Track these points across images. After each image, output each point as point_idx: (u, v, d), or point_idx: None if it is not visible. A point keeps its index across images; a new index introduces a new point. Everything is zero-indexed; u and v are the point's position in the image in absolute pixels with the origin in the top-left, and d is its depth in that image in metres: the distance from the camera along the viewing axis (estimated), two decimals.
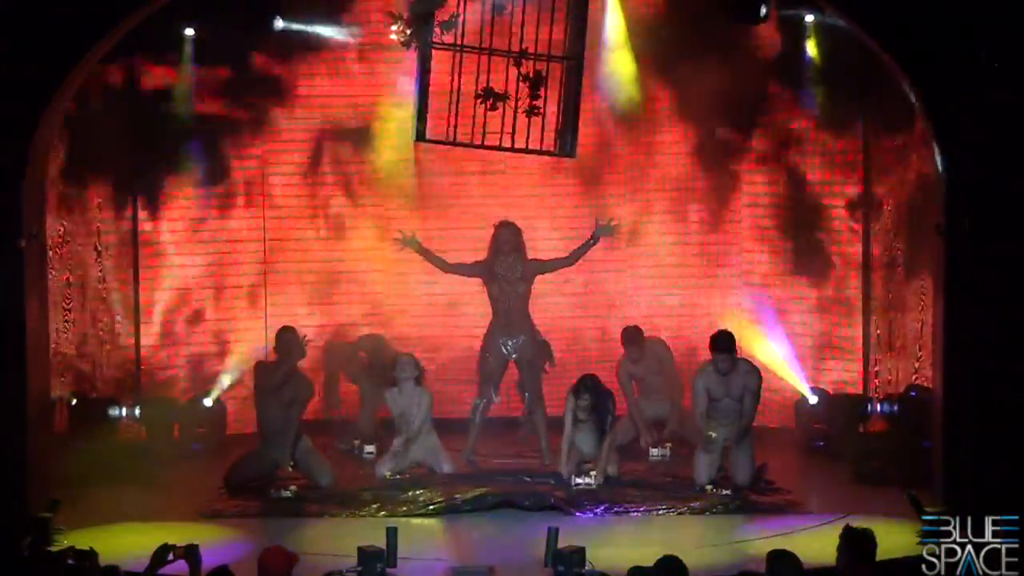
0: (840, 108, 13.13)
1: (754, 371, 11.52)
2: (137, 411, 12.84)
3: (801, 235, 13.58)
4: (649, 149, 13.86)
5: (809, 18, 12.74)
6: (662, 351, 12.87)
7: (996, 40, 10.11)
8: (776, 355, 13.20)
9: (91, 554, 7.51)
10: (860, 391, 13.22)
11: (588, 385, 11.50)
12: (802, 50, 13.03)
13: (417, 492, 11.24)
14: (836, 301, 13.47)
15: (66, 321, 12.70)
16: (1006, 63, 10.12)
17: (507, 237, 12.19)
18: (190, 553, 7.12)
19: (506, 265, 12.20)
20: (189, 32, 12.87)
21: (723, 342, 11.34)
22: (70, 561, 7.52)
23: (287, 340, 11.60)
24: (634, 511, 11.00)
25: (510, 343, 12.25)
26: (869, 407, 12.95)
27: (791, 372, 13.17)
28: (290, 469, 11.56)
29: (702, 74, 12.70)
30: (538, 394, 12.29)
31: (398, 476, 11.66)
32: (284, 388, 11.50)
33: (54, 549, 8.50)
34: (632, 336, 12.72)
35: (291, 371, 11.54)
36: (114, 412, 12.70)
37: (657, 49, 13.21)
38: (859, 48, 11.24)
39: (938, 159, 10.44)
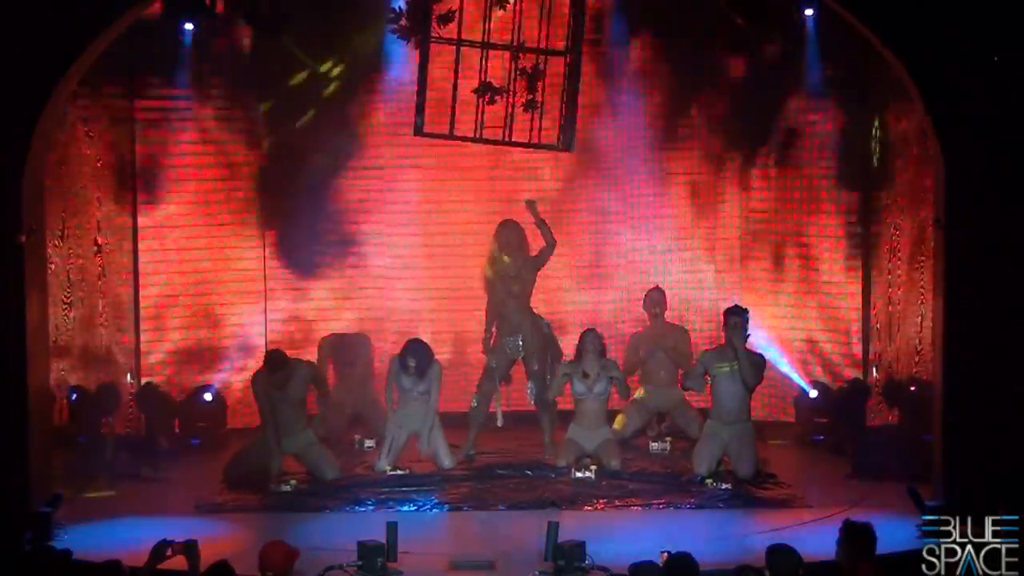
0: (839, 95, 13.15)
1: (756, 353, 11.70)
2: (137, 405, 12.85)
3: (801, 228, 13.59)
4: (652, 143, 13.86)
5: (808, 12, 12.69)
6: (679, 336, 12.83)
7: (995, 34, 10.12)
8: (776, 348, 13.19)
9: (66, 553, 7.53)
10: (860, 385, 13.21)
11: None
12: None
13: (418, 488, 11.26)
14: (836, 295, 13.46)
15: (66, 316, 12.69)
16: (1006, 57, 10.12)
17: (507, 237, 12.12)
18: (189, 549, 7.13)
19: (504, 265, 12.11)
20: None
21: (737, 306, 11.66)
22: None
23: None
24: (634, 505, 11.00)
25: (511, 341, 12.16)
26: (869, 401, 12.95)
27: (791, 366, 13.16)
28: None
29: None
30: (544, 386, 12.21)
31: (398, 470, 11.66)
32: (290, 384, 11.55)
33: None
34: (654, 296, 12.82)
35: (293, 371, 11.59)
36: (113, 407, 12.72)
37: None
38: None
39: (938, 152, 10.44)
